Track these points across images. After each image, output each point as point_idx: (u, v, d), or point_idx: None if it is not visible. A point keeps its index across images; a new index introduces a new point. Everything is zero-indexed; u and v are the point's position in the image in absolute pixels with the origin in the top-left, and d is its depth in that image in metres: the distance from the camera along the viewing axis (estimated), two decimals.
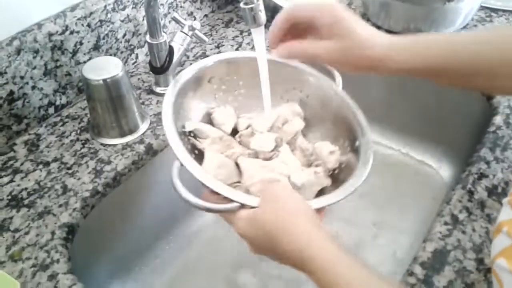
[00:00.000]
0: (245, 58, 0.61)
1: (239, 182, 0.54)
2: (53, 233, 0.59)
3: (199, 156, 0.55)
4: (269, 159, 0.57)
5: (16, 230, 0.60)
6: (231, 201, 0.47)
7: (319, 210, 0.48)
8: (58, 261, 0.56)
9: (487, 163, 0.66)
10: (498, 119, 0.73)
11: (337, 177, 0.56)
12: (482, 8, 0.97)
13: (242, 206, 0.47)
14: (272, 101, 0.58)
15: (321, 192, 0.55)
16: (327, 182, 0.56)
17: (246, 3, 0.53)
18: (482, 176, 0.64)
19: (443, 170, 0.92)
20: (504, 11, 0.97)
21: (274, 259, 0.47)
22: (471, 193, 0.62)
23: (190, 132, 0.57)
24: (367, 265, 0.41)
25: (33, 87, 0.72)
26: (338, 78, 0.61)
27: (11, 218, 0.61)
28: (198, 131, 0.57)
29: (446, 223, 0.58)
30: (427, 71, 0.51)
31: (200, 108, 0.60)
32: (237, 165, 0.55)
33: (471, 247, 0.56)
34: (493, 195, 0.62)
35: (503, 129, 0.71)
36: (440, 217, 0.59)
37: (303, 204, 0.46)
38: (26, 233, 0.59)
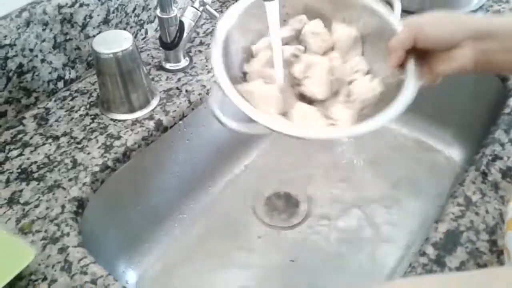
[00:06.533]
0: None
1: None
2: (63, 206, 0.59)
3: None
4: None
5: (26, 203, 0.60)
6: None
7: None
8: (68, 234, 0.56)
9: (502, 145, 0.65)
10: None
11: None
12: None
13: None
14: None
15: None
16: None
17: None
18: (496, 157, 0.63)
19: (454, 153, 0.91)
20: None
21: None
22: (484, 174, 0.61)
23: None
24: None
25: (42, 60, 0.71)
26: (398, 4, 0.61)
27: (21, 191, 0.61)
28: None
29: (459, 204, 0.58)
30: None
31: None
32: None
33: (484, 229, 0.55)
34: (507, 177, 0.61)
35: None
36: (453, 198, 0.59)
37: None
38: (36, 206, 0.59)
